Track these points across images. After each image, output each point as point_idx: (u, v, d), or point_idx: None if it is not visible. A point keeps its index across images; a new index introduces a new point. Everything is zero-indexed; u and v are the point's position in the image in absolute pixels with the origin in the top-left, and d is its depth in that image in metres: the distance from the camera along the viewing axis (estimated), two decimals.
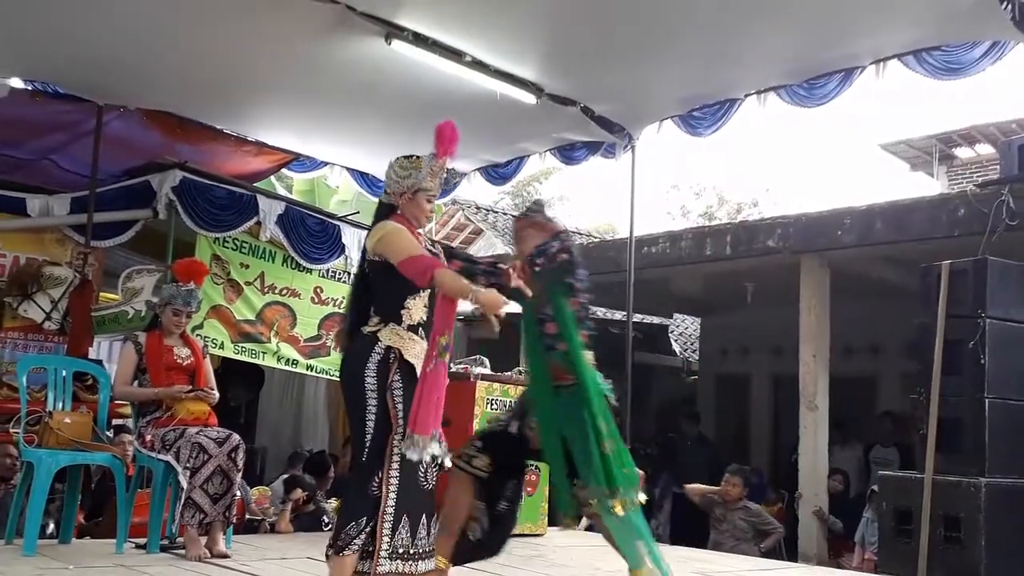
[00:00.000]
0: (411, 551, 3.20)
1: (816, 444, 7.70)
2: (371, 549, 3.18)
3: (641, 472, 7.41)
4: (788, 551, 7.55)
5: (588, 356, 3.66)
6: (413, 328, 3.32)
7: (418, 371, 3.25)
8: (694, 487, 7.35)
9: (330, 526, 5.47)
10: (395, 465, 3.19)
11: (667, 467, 9.78)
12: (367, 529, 3.18)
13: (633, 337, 7.49)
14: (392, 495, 3.18)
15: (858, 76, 5.66)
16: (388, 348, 3.27)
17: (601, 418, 3.53)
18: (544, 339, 3.67)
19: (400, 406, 3.23)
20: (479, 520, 3.71)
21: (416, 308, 3.34)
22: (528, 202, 3.89)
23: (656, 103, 6.49)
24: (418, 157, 3.47)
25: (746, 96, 6.15)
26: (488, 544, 3.80)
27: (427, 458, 3.19)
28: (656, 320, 13.08)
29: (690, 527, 9.40)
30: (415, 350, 3.29)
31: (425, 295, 3.34)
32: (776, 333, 10.01)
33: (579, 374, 3.57)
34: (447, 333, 3.22)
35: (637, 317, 8.91)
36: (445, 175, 3.55)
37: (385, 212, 3.46)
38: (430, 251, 3.41)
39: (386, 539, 3.16)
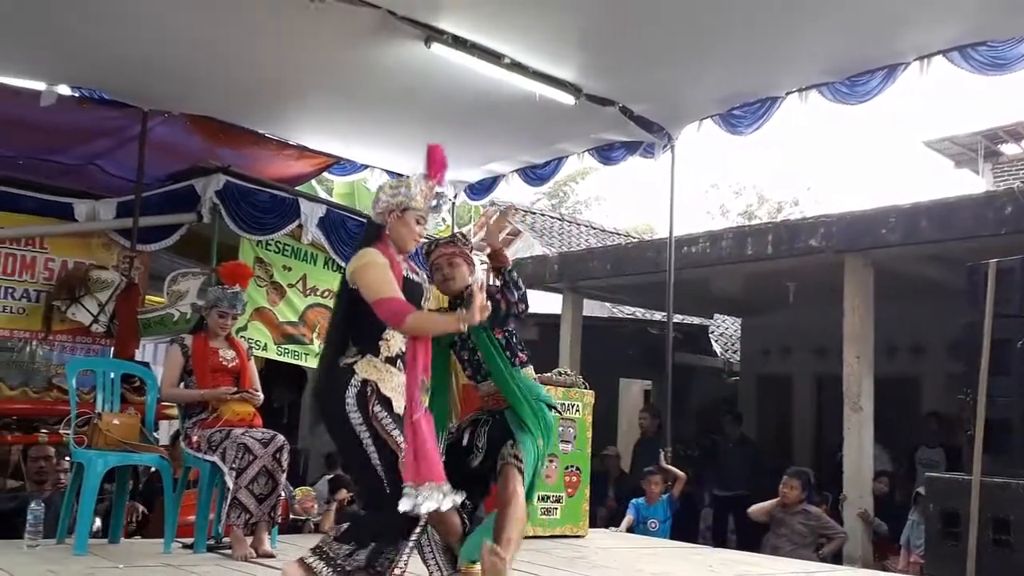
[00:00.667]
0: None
1: (861, 445, 7.60)
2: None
3: (682, 474, 7.42)
4: (833, 554, 7.46)
5: (524, 374, 3.77)
6: (391, 360, 3.23)
7: (395, 405, 3.19)
8: (757, 509, 7.15)
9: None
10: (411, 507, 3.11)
11: (709, 469, 9.73)
12: (376, 551, 3.13)
13: (673, 338, 7.45)
14: (419, 527, 3.17)
15: (902, 72, 5.60)
16: (364, 381, 3.17)
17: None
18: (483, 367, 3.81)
19: (396, 433, 3.14)
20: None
21: (395, 339, 3.23)
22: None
23: (696, 102, 6.47)
24: (407, 176, 3.42)
25: (787, 94, 6.11)
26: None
27: (448, 505, 3.08)
28: (696, 321, 13.01)
29: (741, 531, 9.39)
30: (392, 383, 3.21)
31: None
32: (819, 333, 9.91)
33: (508, 398, 3.69)
34: (427, 377, 3.21)
35: (677, 318, 8.87)
36: (436, 202, 3.39)
37: (374, 233, 3.34)
38: (411, 279, 3.31)
39: (407, 553, 3.18)
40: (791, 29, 5.36)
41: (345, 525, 3.21)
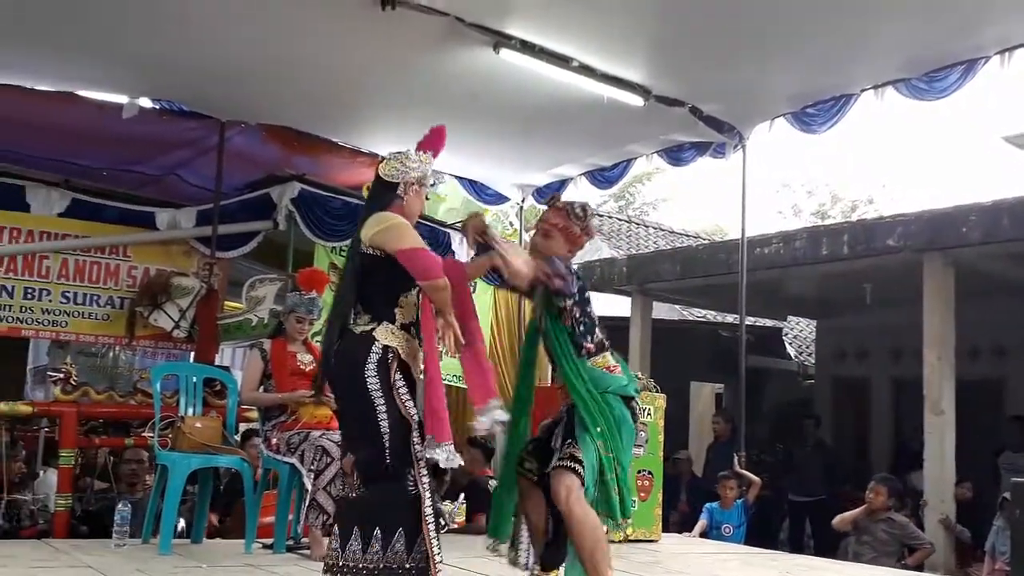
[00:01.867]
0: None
1: (943, 450, 7.40)
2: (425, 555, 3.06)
3: (757, 479, 7.32)
4: (917, 565, 7.29)
5: (593, 364, 3.47)
6: (405, 327, 3.19)
7: (413, 371, 3.18)
8: (841, 520, 6.96)
9: (446, 528, 5.56)
10: (423, 465, 3.10)
11: (784, 473, 9.59)
12: (411, 538, 3.06)
13: (745, 340, 7.36)
14: (427, 493, 3.10)
15: (982, 67, 5.44)
16: (386, 347, 3.13)
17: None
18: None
19: (411, 404, 3.13)
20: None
21: (408, 307, 3.20)
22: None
23: (768, 101, 6.38)
24: (418, 152, 3.37)
25: (862, 91, 5.99)
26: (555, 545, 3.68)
27: (456, 464, 3.11)
28: (769, 323, 12.83)
29: (818, 537, 9.23)
30: (408, 349, 3.18)
31: (414, 294, 3.21)
32: (897, 335, 9.70)
33: (570, 391, 3.43)
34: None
35: (749, 320, 8.76)
36: (433, 180, 3.58)
37: (388, 199, 3.27)
38: None
39: (435, 541, 3.06)
40: (867, 25, 5.26)
41: (345, 523, 3.12)
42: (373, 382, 3.09)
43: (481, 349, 3.21)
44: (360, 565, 3.01)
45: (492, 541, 3.56)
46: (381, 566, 3.01)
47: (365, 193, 3.44)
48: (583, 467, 3.25)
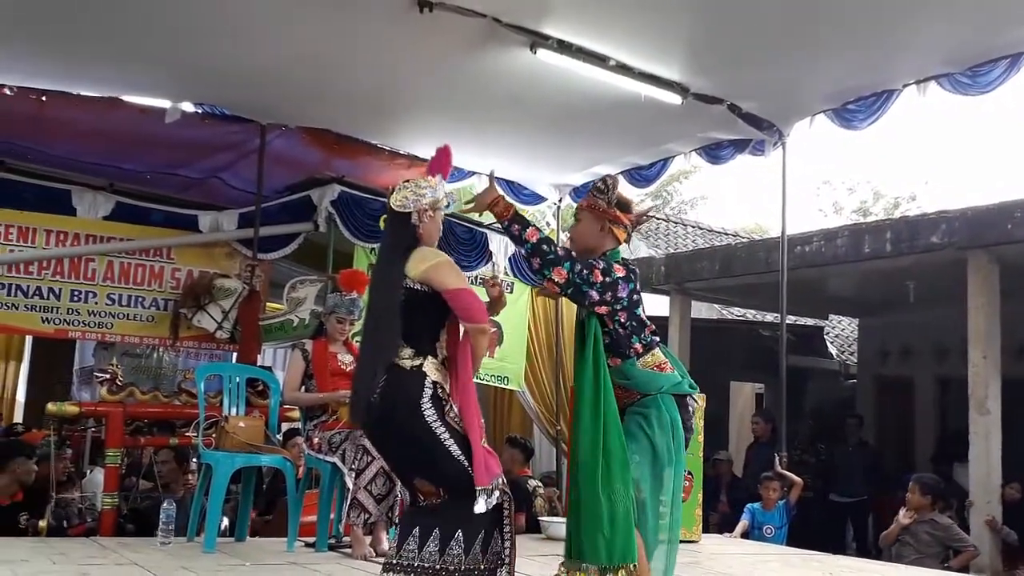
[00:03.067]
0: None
1: (988, 450, 7.28)
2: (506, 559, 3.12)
3: (799, 479, 7.25)
4: (961, 567, 7.19)
5: (642, 365, 3.32)
6: (443, 362, 3.22)
7: (454, 405, 3.20)
8: (887, 536, 6.86)
9: None
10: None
11: (826, 474, 9.50)
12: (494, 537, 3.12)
13: (786, 339, 7.30)
14: (507, 509, 3.14)
15: None
16: (435, 383, 3.14)
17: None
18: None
19: (461, 423, 3.15)
20: None
21: (443, 342, 3.24)
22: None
23: (808, 97, 6.32)
24: (426, 177, 3.35)
25: (904, 86, 5.91)
26: None
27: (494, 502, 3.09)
28: (810, 322, 12.70)
29: (860, 538, 9.13)
30: (449, 385, 3.21)
31: (447, 330, 3.24)
32: (941, 334, 9.56)
33: (639, 388, 3.29)
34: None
35: (790, 319, 8.68)
36: (448, 201, 3.43)
37: (409, 233, 3.24)
38: None
39: (509, 540, 3.13)
40: (909, 20, 5.19)
41: (418, 526, 3.11)
42: (431, 416, 3.09)
43: (478, 426, 3.16)
44: (438, 567, 3.03)
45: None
46: (463, 568, 3.05)
47: (382, 225, 3.46)
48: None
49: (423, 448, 3.11)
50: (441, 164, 3.42)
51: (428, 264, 3.16)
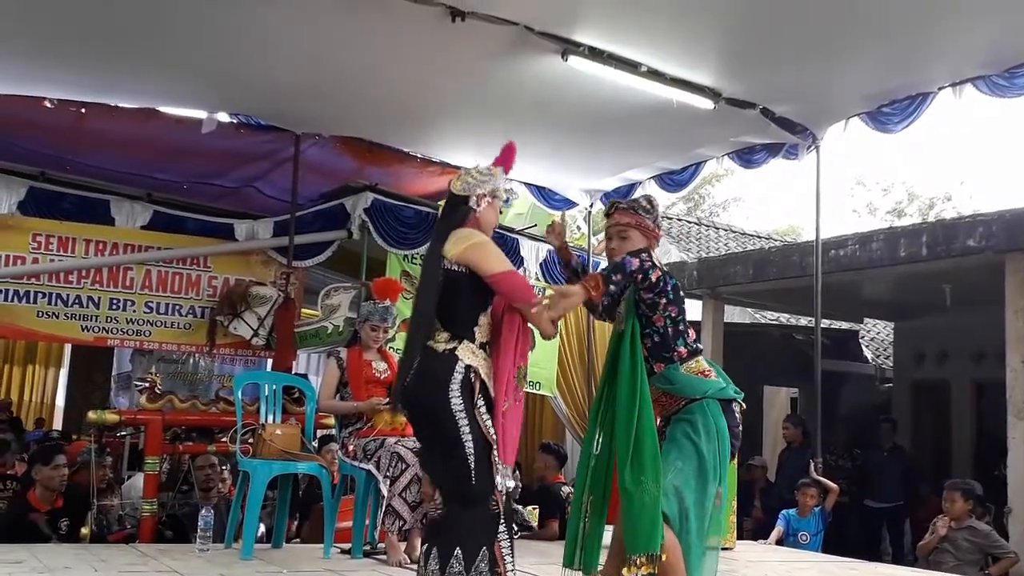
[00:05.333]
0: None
1: None
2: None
3: (835, 486, 7.19)
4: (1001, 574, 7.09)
5: (686, 370, 3.30)
6: (483, 346, 3.18)
7: (490, 391, 3.14)
8: (924, 546, 6.78)
9: (519, 533, 5.59)
10: (499, 484, 3.08)
11: (861, 480, 9.41)
12: (492, 554, 3.05)
13: (821, 344, 7.24)
14: (503, 514, 3.09)
15: None
16: (468, 367, 3.11)
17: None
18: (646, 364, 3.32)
19: (490, 425, 3.10)
20: None
21: (485, 326, 3.19)
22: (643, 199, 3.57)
23: (842, 101, 6.26)
24: (488, 167, 3.39)
25: (940, 89, 5.85)
26: None
27: (509, 486, 3.10)
28: (845, 326, 12.58)
29: (896, 545, 9.02)
30: (487, 369, 3.16)
31: (489, 312, 3.20)
32: (978, 337, 9.43)
33: (683, 393, 3.27)
34: (524, 362, 3.15)
35: (824, 323, 8.61)
36: (507, 197, 3.46)
37: (464, 214, 3.25)
38: None
39: (508, 558, 3.06)
40: (944, 21, 5.14)
41: (427, 542, 3.12)
42: (457, 402, 3.07)
43: (513, 411, 3.13)
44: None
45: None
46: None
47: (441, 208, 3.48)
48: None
49: (442, 436, 3.10)
50: (506, 159, 3.44)
51: (467, 244, 3.14)
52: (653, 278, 3.24)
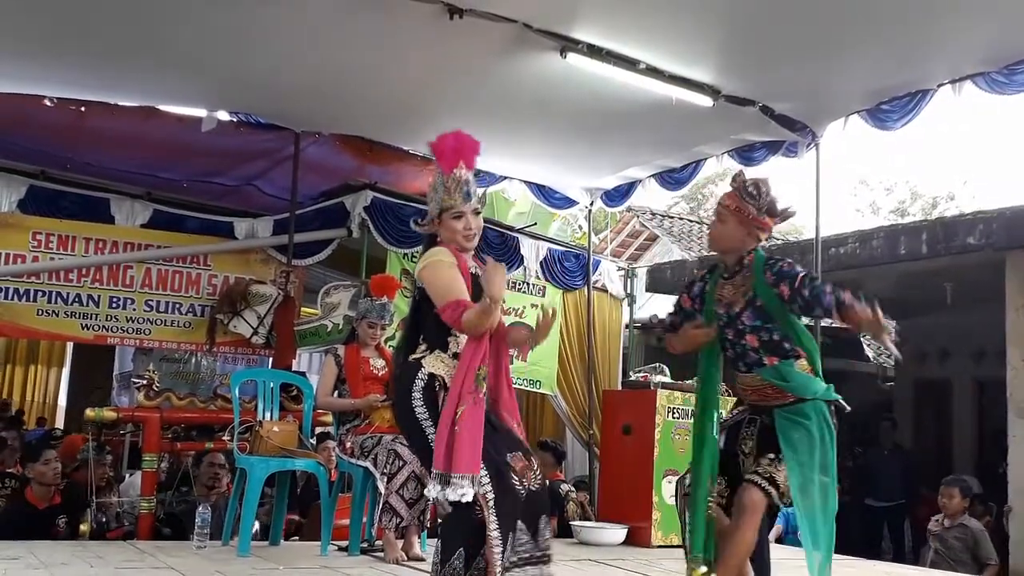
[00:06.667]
0: (514, 560, 3.01)
1: None
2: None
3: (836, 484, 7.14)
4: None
5: (802, 364, 3.33)
6: (458, 356, 3.17)
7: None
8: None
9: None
10: (488, 486, 3.01)
11: (862, 479, 9.39)
12: (471, 554, 3.03)
13: (821, 343, 7.22)
14: (493, 516, 2.99)
15: None
16: (431, 375, 3.15)
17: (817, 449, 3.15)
18: (748, 354, 3.36)
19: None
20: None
21: (462, 336, 3.17)
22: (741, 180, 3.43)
23: (841, 98, 6.25)
24: (431, 184, 3.32)
25: (939, 86, 5.84)
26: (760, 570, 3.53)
27: (464, 499, 2.96)
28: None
29: (896, 543, 9.00)
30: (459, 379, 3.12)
31: None
32: (979, 336, 9.41)
33: (797, 392, 3.26)
34: (483, 367, 3.07)
35: (825, 321, 8.58)
36: (465, 188, 3.22)
37: (431, 239, 3.30)
38: (479, 276, 3.17)
39: (498, 561, 2.97)
40: (943, 19, 5.12)
41: (440, 540, 3.15)
42: (421, 410, 3.12)
43: (469, 416, 3.00)
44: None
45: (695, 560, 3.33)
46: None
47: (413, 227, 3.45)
48: (776, 484, 3.16)
49: (415, 443, 3.19)
50: (438, 157, 3.33)
51: (422, 265, 3.19)
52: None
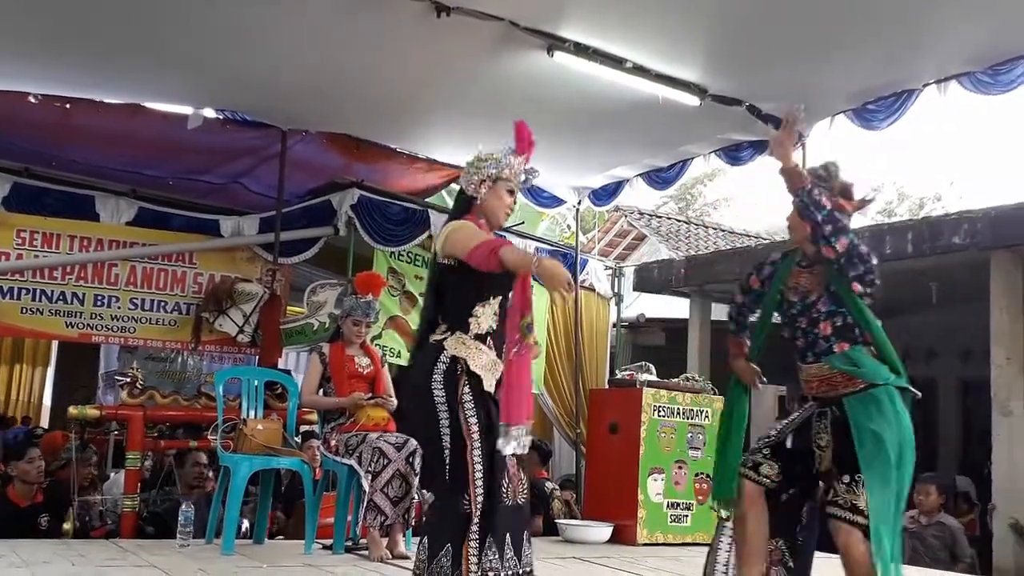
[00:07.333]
0: (502, 572, 2.95)
1: (1011, 452, 7.21)
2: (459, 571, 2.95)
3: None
4: (982, 564, 7.11)
5: (868, 349, 3.27)
6: (480, 337, 3.11)
7: (485, 384, 3.07)
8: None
9: None
10: (479, 482, 2.97)
11: None
12: (458, 551, 2.97)
13: None
14: (478, 513, 2.96)
15: None
16: (454, 358, 3.07)
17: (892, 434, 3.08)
18: (818, 342, 3.32)
19: (473, 421, 3.02)
20: (783, 561, 3.36)
21: (484, 316, 3.12)
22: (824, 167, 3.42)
23: (827, 98, 6.26)
24: (496, 151, 3.30)
25: (924, 86, 5.86)
26: None
27: (522, 450, 2.95)
28: None
29: None
30: (481, 360, 3.09)
31: (495, 303, 3.13)
32: (964, 335, 9.46)
33: (867, 377, 3.21)
34: (528, 313, 2.98)
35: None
36: (525, 176, 3.29)
37: (464, 206, 3.25)
38: None
39: (474, 560, 2.92)
40: (928, 19, 5.15)
41: (426, 535, 3.10)
42: (440, 394, 3.05)
43: (516, 363, 2.98)
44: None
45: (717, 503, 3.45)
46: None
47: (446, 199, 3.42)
48: (863, 516, 3.04)
49: (425, 428, 3.11)
50: (518, 141, 3.32)
51: (445, 236, 3.14)
52: (867, 256, 3.24)
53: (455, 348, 3.08)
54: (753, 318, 3.69)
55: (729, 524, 3.44)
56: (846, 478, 3.13)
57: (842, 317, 3.28)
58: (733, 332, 3.77)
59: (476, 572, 2.93)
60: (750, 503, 3.31)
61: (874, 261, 3.26)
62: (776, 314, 3.53)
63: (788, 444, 3.35)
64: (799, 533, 3.38)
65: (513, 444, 2.92)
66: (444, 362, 3.07)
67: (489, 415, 3.05)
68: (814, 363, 3.32)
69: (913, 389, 3.28)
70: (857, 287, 3.24)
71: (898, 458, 3.08)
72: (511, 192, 3.22)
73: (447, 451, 3.03)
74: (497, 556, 2.94)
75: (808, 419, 3.36)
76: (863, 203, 3.48)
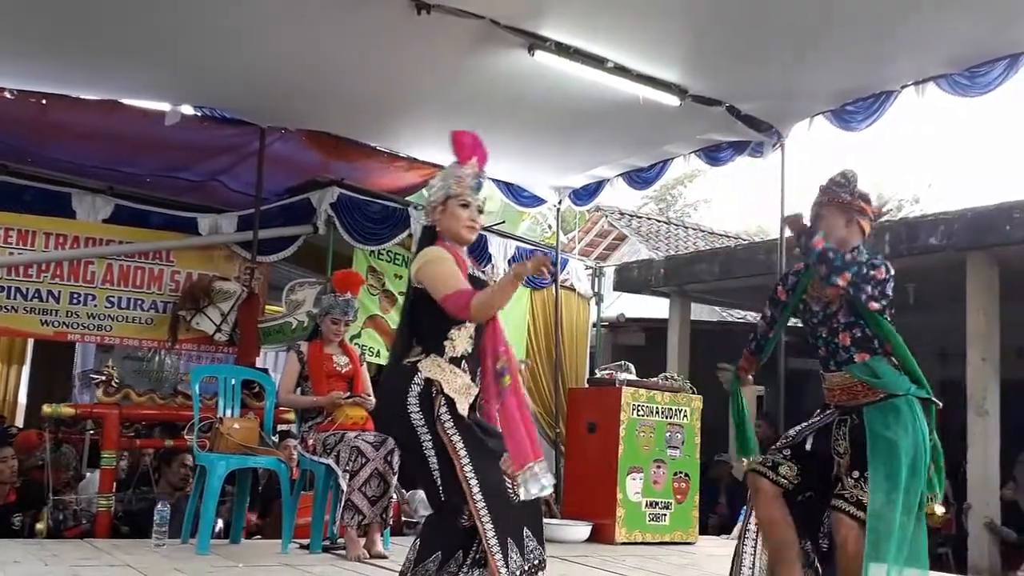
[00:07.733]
0: (527, 568, 2.92)
1: (986, 452, 7.27)
2: None
3: None
4: (957, 563, 7.18)
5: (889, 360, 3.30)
6: (455, 361, 3.05)
7: (458, 407, 3.00)
8: None
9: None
10: (477, 494, 2.92)
11: None
12: (457, 559, 2.97)
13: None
14: (489, 525, 2.90)
15: None
16: (428, 380, 3.01)
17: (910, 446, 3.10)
18: (839, 352, 3.35)
19: (457, 439, 2.97)
20: (809, 563, 3.34)
21: (460, 339, 3.06)
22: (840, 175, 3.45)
23: (806, 99, 6.31)
24: (439, 173, 3.27)
25: (903, 87, 5.91)
26: None
27: (544, 490, 2.88)
28: None
29: None
30: (456, 384, 3.02)
31: (471, 326, 3.08)
32: (940, 336, 9.52)
33: (887, 388, 3.23)
34: (501, 356, 2.97)
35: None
36: (476, 181, 3.17)
37: (429, 237, 3.19)
38: (476, 276, 3.13)
39: (502, 570, 2.88)
40: (907, 20, 5.18)
41: (419, 539, 3.08)
42: (417, 417, 3.00)
43: (504, 414, 2.95)
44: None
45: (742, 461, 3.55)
46: None
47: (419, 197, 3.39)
48: (866, 512, 3.06)
49: (408, 450, 3.10)
50: (457, 151, 3.22)
51: (419, 264, 3.10)
52: (880, 276, 3.26)
53: (429, 370, 3.04)
54: (772, 333, 3.75)
55: (753, 527, 3.43)
56: (856, 474, 3.17)
57: (861, 328, 3.31)
58: (752, 351, 3.82)
59: None
60: (768, 503, 3.33)
61: (889, 274, 3.29)
62: (799, 320, 3.57)
63: (807, 446, 3.38)
64: (822, 540, 3.38)
65: (534, 485, 2.87)
66: (419, 384, 3.02)
67: (471, 429, 3.00)
68: (836, 372, 3.35)
69: (934, 399, 3.30)
70: (873, 305, 3.26)
71: (911, 466, 3.09)
72: (465, 205, 3.13)
73: (436, 472, 2.98)
74: (518, 554, 2.92)
75: (829, 425, 3.39)
76: (881, 207, 3.53)
